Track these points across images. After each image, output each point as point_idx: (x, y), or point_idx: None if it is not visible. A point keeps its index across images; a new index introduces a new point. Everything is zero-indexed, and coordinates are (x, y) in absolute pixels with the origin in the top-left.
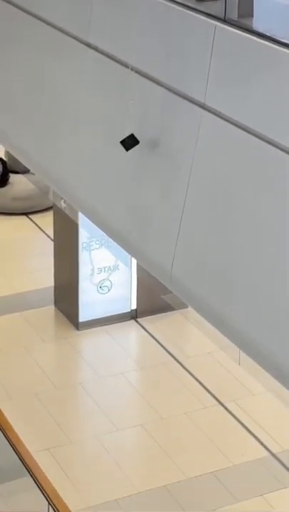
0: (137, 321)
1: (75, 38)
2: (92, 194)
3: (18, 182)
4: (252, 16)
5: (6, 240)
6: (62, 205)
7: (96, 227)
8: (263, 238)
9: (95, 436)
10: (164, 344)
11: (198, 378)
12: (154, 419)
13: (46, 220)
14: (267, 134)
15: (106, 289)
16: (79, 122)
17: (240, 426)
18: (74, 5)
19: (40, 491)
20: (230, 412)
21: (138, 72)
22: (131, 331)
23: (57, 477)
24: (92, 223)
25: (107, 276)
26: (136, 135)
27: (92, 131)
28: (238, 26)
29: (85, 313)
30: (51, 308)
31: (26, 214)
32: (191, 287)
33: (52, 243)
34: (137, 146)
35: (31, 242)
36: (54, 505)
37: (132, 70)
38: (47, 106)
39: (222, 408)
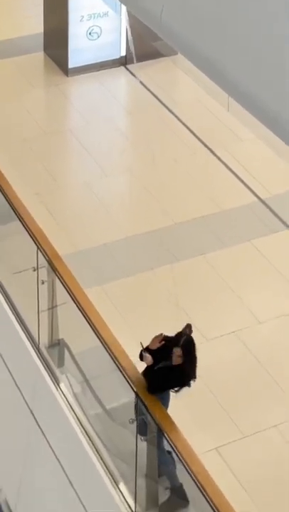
0: (126, 68)
1: None
2: None
3: None
4: None
5: None
6: None
7: None
8: None
9: (84, 182)
10: (153, 90)
11: (187, 124)
12: (143, 165)
13: None
14: None
15: (96, 36)
16: None
17: (228, 172)
18: None
19: (29, 235)
20: (218, 158)
21: None
22: (120, 78)
23: (46, 222)
24: None
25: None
26: None
27: None
28: None
29: (75, 59)
30: (41, 54)
31: None
32: (182, 33)
33: None
34: None
35: None
36: (43, 249)
37: None
38: None
39: (211, 154)
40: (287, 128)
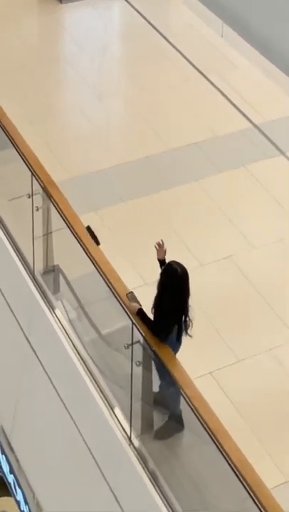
0: None
1: None
2: None
3: None
4: None
5: None
6: None
7: None
8: None
9: (78, 109)
10: (147, 17)
11: (182, 51)
12: (137, 91)
13: None
14: None
15: None
16: None
17: (223, 98)
18: None
19: (23, 163)
20: (213, 85)
21: None
22: (115, 4)
23: (41, 149)
24: None
25: None
26: None
27: None
28: None
29: None
30: None
31: None
32: None
33: None
34: None
35: None
36: (37, 175)
37: None
38: None
39: (205, 80)
40: (280, 53)
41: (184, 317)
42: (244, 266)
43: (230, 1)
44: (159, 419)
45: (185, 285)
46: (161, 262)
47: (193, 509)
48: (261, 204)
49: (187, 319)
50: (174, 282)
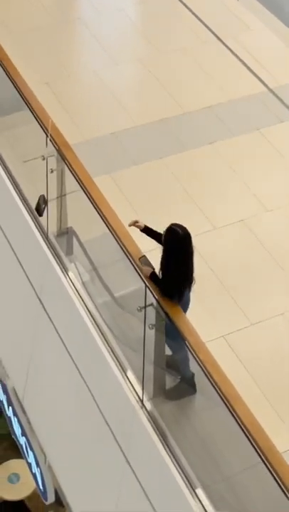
0: None
1: None
2: None
3: None
4: None
5: None
6: None
7: None
8: None
9: (93, 71)
10: None
11: (197, 13)
12: (153, 54)
13: None
14: None
15: None
16: None
17: (238, 62)
18: None
19: (38, 125)
20: (228, 48)
21: None
22: None
23: (56, 111)
24: None
25: None
26: None
27: None
28: None
29: None
30: None
31: None
32: None
33: None
34: None
35: None
36: (52, 137)
37: None
38: None
39: (220, 43)
40: None
41: (189, 276)
42: (257, 229)
43: None
44: (171, 383)
45: (188, 246)
46: (145, 230)
47: (204, 471)
48: (275, 167)
49: (192, 278)
50: (177, 245)
